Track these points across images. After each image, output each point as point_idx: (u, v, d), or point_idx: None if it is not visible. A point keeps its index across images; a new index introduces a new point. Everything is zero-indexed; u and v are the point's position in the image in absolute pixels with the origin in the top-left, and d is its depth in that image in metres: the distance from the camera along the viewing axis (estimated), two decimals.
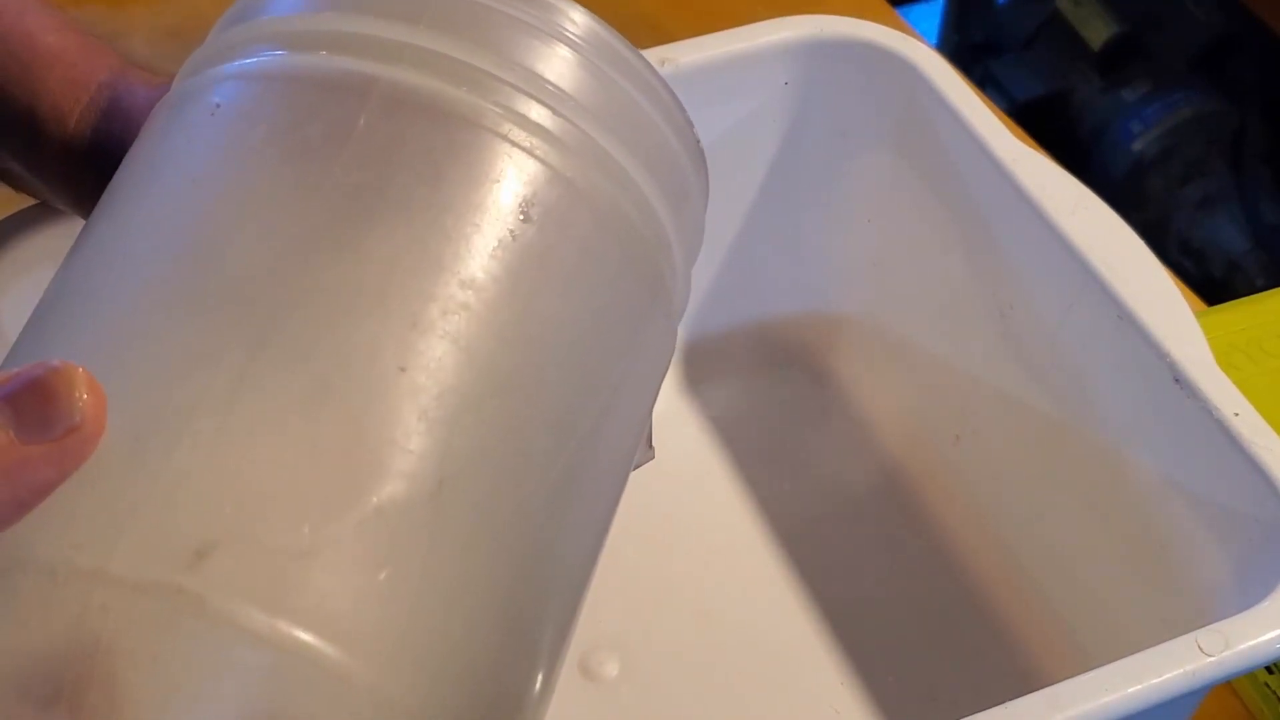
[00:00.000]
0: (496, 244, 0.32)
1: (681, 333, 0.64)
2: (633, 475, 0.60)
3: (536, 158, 0.33)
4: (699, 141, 0.39)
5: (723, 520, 0.60)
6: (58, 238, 0.49)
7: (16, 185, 0.47)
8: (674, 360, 0.64)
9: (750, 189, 0.62)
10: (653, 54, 0.56)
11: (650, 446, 0.59)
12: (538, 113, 0.34)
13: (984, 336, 0.57)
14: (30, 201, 0.49)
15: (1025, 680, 0.54)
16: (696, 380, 0.65)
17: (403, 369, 0.30)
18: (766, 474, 0.62)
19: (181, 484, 0.28)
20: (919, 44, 0.58)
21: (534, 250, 0.32)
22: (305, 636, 0.27)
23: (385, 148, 0.32)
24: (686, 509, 0.60)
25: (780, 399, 0.65)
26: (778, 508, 0.61)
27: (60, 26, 0.43)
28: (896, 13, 0.83)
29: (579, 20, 0.35)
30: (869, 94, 0.59)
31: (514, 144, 0.33)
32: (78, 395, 0.28)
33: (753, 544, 0.59)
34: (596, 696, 0.55)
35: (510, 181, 0.32)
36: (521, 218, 0.32)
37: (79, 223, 0.45)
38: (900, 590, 0.59)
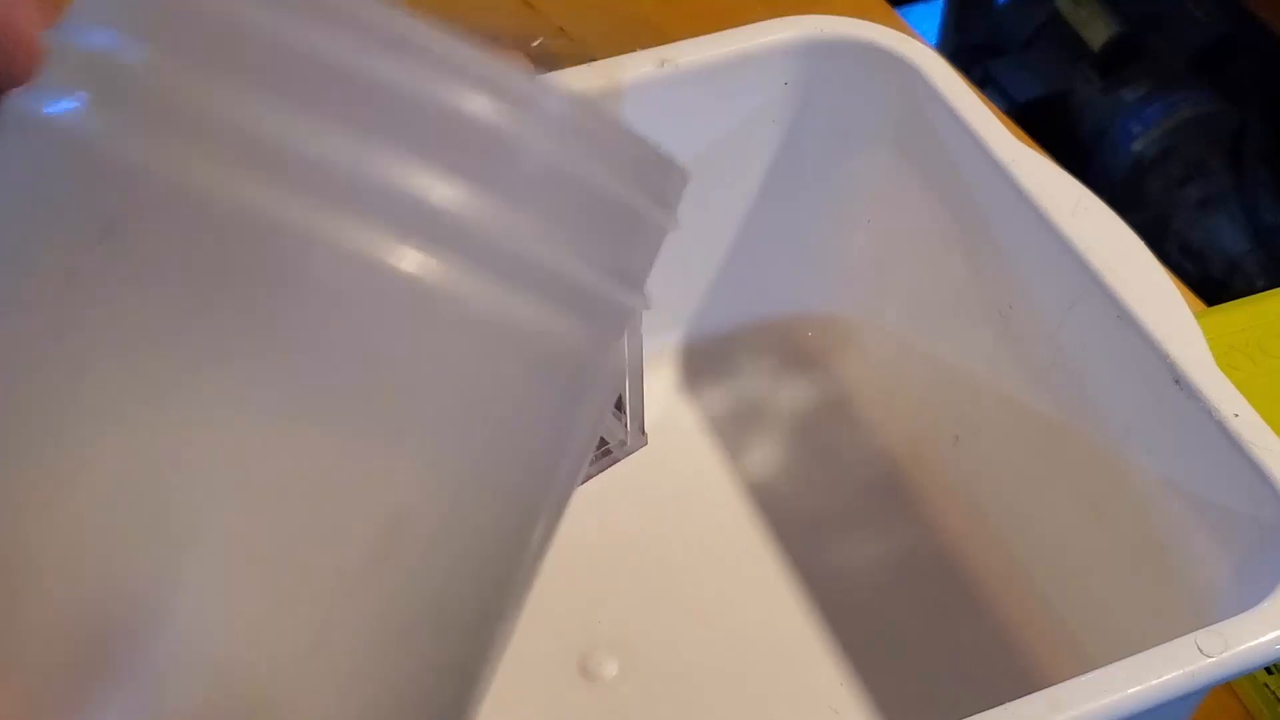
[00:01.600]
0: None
1: (681, 333, 0.65)
2: (631, 475, 0.60)
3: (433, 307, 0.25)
4: (655, 145, 0.29)
5: (722, 520, 0.60)
6: None
7: None
8: (673, 360, 0.65)
9: (750, 189, 0.62)
10: (652, 54, 0.56)
11: (643, 432, 0.58)
12: (416, 251, 0.25)
13: (984, 336, 0.57)
14: None
15: (1025, 680, 0.54)
16: (696, 380, 0.65)
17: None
18: (765, 474, 0.62)
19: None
20: (919, 44, 0.58)
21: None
22: None
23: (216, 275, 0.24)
24: (685, 509, 0.60)
25: (780, 399, 0.65)
26: (777, 507, 0.61)
27: (49, 21, 0.43)
28: (896, 13, 0.83)
29: (488, 73, 0.25)
30: (869, 94, 0.59)
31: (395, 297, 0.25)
32: None
33: (752, 544, 0.59)
34: (596, 696, 0.55)
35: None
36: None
37: None
38: (900, 590, 0.59)
